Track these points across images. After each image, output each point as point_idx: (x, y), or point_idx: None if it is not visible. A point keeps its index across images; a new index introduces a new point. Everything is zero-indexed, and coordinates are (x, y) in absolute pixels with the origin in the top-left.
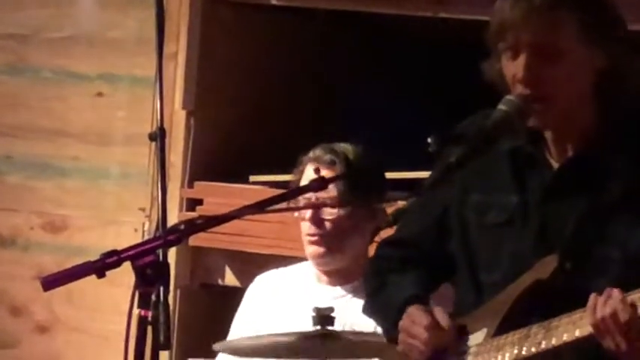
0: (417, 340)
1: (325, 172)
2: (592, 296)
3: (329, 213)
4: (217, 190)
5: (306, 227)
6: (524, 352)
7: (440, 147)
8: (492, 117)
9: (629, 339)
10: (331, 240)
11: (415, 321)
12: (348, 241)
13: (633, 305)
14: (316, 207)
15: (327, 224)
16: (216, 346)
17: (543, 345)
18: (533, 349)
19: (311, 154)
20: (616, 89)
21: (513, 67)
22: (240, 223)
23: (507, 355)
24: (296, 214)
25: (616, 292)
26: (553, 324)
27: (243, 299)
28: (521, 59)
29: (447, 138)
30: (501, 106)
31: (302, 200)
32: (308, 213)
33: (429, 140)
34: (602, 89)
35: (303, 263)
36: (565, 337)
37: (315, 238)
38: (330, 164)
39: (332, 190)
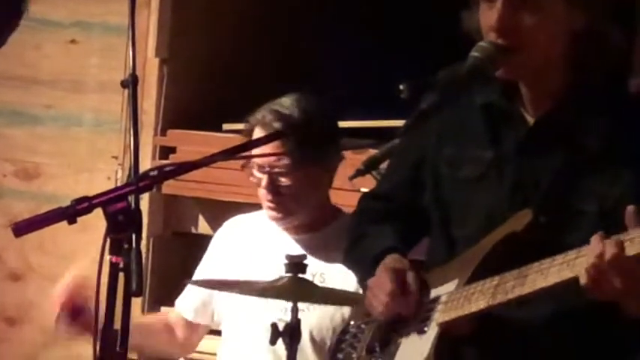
0: (380, 303)
1: (276, 143)
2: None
3: (284, 180)
4: (190, 138)
5: (263, 193)
6: (492, 302)
7: (412, 94)
8: (464, 64)
9: (620, 275)
10: (288, 204)
11: (381, 285)
12: (305, 200)
13: (619, 242)
14: (281, 155)
15: (284, 191)
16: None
17: (511, 295)
18: (502, 298)
19: (259, 117)
20: (593, 50)
21: (489, 16)
22: (213, 171)
23: (477, 303)
24: (252, 178)
25: (598, 236)
26: (522, 274)
27: (210, 244)
28: (497, 5)
29: (419, 85)
30: (474, 53)
31: (256, 170)
32: (264, 181)
33: (401, 87)
34: (578, 49)
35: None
36: (532, 288)
37: (272, 205)
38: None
39: (284, 158)
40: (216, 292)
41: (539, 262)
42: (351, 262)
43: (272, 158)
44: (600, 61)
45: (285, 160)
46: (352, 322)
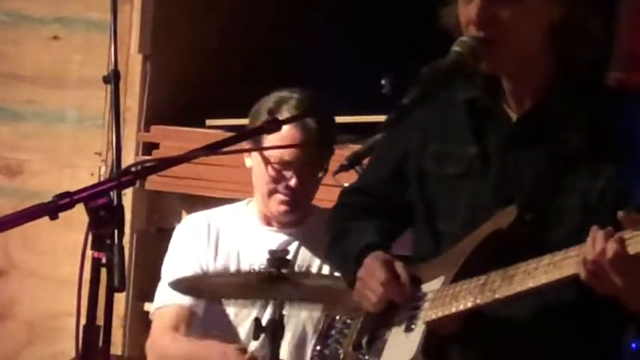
0: (373, 293)
1: (298, 135)
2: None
3: (313, 174)
4: (173, 134)
5: (283, 187)
6: (478, 301)
7: (393, 89)
8: (446, 58)
9: (621, 273)
10: (301, 199)
11: (373, 274)
12: (310, 194)
13: (621, 240)
14: (278, 147)
15: (309, 185)
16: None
17: (498, 295)
18: (489, 298)
19: (285, 112)
20: (572, 43)
21: (468, 10)
22: (197, 167)
23: (464, 302)
24: (264, 173)
25: (601, 232)
26: (509, 273)
27: (172, 239)
28: (476, 0)
29: (401, 81)
30: (455, 48)
31: (278, 165)
32: (293, 180)
33: (383, 82)
34: (558, 42)
35: (240, 204)
36: (519, 288)
37: (291, 200)
38: (308, 128)
39: (310, 154)
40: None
41: (526, 262)
42: (333, 259)
43: (299, 154)
44: (580, 53)
45: (313, 155)
46: (337, 317)
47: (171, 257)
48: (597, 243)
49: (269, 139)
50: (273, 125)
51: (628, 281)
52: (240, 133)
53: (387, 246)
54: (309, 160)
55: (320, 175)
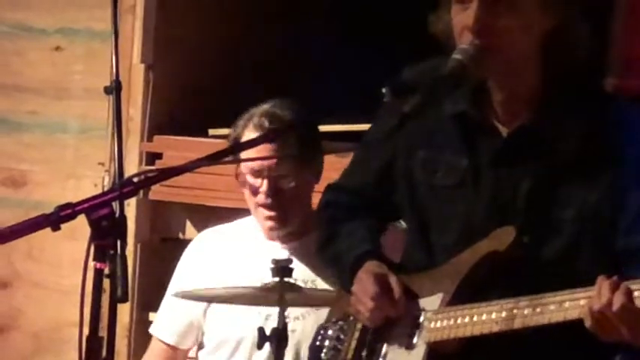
0: (365, 308)
1: (271, 146)
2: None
3: (286, 183)
4: (177, 144)
5: (261, 199)
6: (478, 331)
7: (394, 97)
8: (447, 66)
9: (627, 324)
10: (287, 210)
11: (365, 289)
12: (302, 204)
13: (628, 292)
14: (267, 158)
15: (285, 195)
16: (175, 294)
17: (500, 327)
18: (488, 330)
19: (254, 121)
20: (563, 52)
21: (463, 17)
22: (200, 176)
23: (464, 330)
24: (245, 186)
25: (607, 283)
26: (510, 306)
27: (184, 255)
28: (472, 8)
29: (402, 88)
30: (456, 55)
31: (251, 176)
32: (264, 186)
33: (384, 90)
34: (549, 51)
35: (248, 219)
36: (520, 325)
37: (273, 213)
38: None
39: (282, 162)
40: (201, 311)
41: (528, 297)
42: (325, 263)
43: (271, 162)
44: (570, 60)
45: (286, 163)
46: (333, 319)
47: (175, 276)
48: (603, 294)
49: (245, 153)
50: (273, 135)
51: (633, 331)
52: (243, 143)
53: (379, 250)
54: (278, 166)
55: (307, 182)
